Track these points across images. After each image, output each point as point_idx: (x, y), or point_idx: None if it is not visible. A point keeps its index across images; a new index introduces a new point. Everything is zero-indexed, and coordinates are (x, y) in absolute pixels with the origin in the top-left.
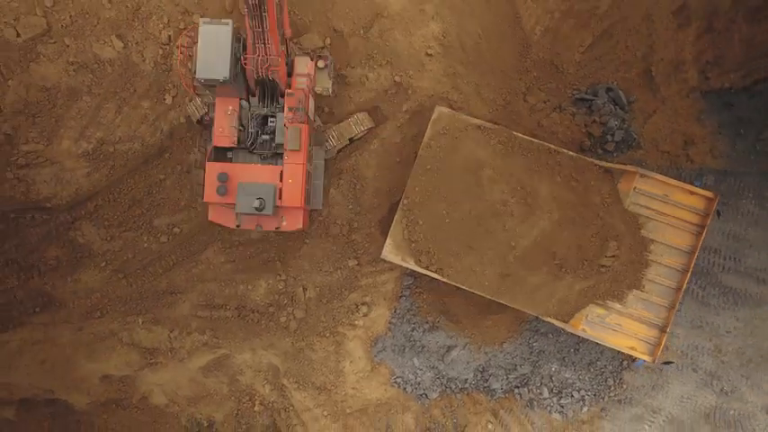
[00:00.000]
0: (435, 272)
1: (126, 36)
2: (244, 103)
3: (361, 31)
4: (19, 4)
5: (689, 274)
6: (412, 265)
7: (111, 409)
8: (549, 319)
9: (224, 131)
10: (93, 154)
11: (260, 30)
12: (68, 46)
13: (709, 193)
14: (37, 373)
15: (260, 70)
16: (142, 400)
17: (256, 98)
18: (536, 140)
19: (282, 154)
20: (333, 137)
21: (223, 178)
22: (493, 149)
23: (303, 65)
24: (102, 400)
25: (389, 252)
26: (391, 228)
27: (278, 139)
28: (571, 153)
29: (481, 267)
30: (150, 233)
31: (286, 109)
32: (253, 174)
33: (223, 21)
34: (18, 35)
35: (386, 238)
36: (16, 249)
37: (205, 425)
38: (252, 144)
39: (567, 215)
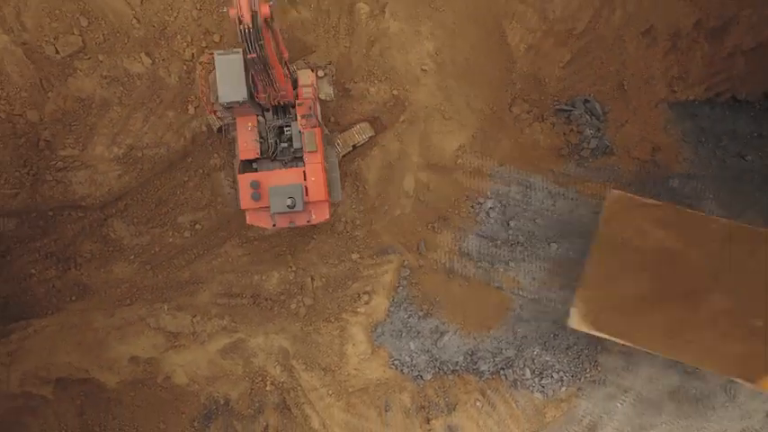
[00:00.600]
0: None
1: (153, 53)
2: (260, 118)
3: (363, 51)
4: (58, 25)
5: None
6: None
7: (138, 387)
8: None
9: (248, 146)
10: (124, 158)
11: (267, 80)
12: (102, 62)
13: None
14: (74, 354)
15: (273, 102)
16: (165, 380)
17: (271, 112)
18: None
19: (301, 157)
20: (338, 144)
21: (255, 186)
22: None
23: (306, 77)
24: (130, 379)
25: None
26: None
27: (296, 145)
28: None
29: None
30: (174, 229)
31: (299, 117)
32: (280, 178)
33: (234, 50)
34: (57, 52)
35: (389, 234)
36: (54, 244)
37: (222, 402)
38: (273, 153)
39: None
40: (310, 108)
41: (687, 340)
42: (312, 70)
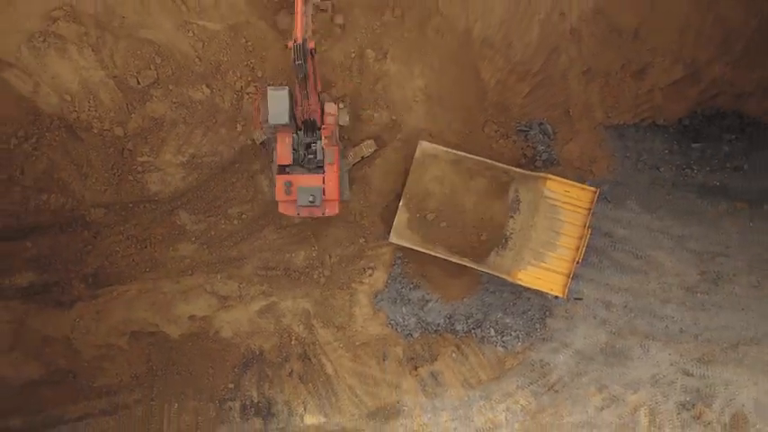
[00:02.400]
0: (426, 248)
1: (211, 84)
2: (294, 135)
3: (370, 86)
4: (139, 63)
5: (584, 239)
6: (412, 244)
7: (194, 339)
8: (497, 273)
9: (285, 155)
10: (187, 164)
11: (305, 92)
12: (171, 90)
13: (592, 188)
14: (147, 312)
15: (305, 115)
16: (215, 334)
17: (302, 131)
18: (482, 159)
19: (322, 166)
20: (350, 156)
21: (288, 184)
22: (456, 165)
23: (331, 107)
24: (188, 332)
25: (394, 237)
26: (395, 220)
27: (319, 157)
28: (505, 166)
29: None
30: (226, 218)
31: (323, 138)
32: (306, 180)
33: (281, 87)
34: (138, 83)
35: (386, 226)
36: (134, 228)
37: (257, 353)
38: (302, 161)
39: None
40: (332, 132)
41: (467, 249)
42: (335, 103)
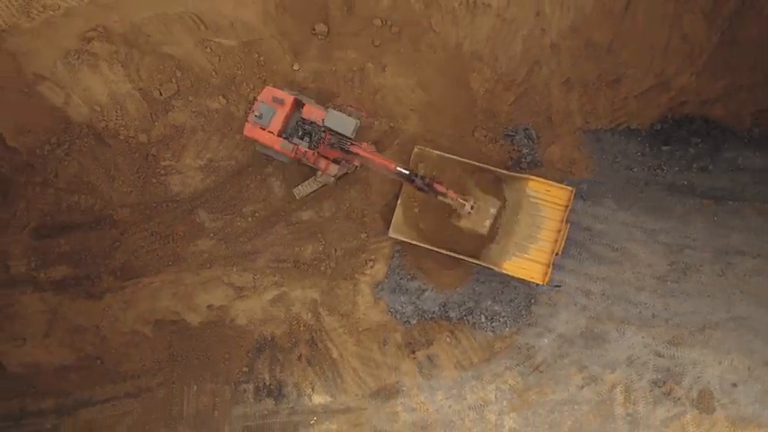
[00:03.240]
0: (422, 241)
1: (227, 95)
2: (294, 115)
3: (371, 96)
4: (162, 76)
5: (563, 233)
6: (408, 238)
7: (212, 326)
8: (485, 264)
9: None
10: (205, 167)
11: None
12: (191, 101)
13: (569, 188)
14: (170, 301)
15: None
16: (231, 321)
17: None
18: (471, 161)
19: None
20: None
21: (259, 116)
22: (448, 167)
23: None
24: (207, 320)
25: (393, 232)
26: (393, 217)
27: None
28: (492, 168)
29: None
30: (241, 216)
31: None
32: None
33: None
34: (161, 94)
35: (386, 222)
36: (157, 225)
37: (269, 339)
38: (289, 134)
39: (482, 204)
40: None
41: (458, 242)
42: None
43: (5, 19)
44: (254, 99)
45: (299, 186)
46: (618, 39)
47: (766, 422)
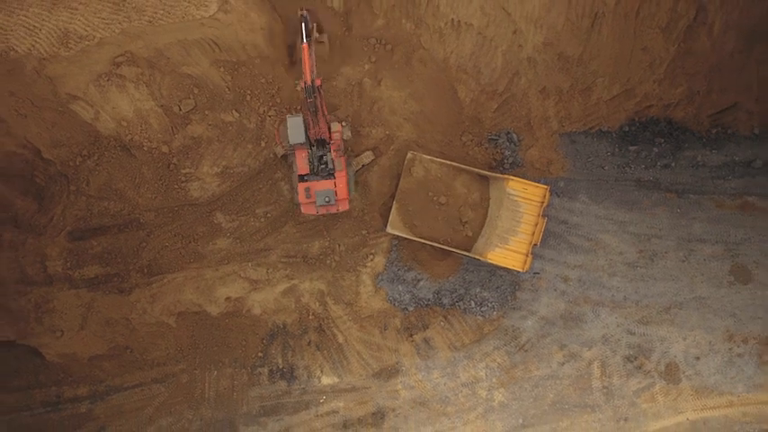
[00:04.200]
0: (416, 236)
1: (240, 109)
2: (309, 151)
3: (368, 108)
4: (181, 93)
5: (540, 226)
6: (404, 234)
7: (230, 316)
8: (472, 255)
9: (303, 166)
10: (221, 174)
11: (315, 119)
12: (207, 115)
13: (544, 186)
14: (193, 295)
15: (316, 135)
16: (247, 311)
17: (315, 147)
18: (459, 164)
19: (333, 173)
20: (353, 164)
21: (308, 189)
22: (438, 170)
23: (336, 126)
24: (225, 311)
25: (390, 228)
26: (390, 214)
27: (330, 166)
28: (476, 169)
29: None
30: (254, 216)
31: (332, 150)
32: (321, 185)
33: (296, 114)
34: (180, 109)
35: (384, 220)
36: (179, 227)
37: (281, 326)
38: (316, 170)
39: (468, 202)
40: (339, 145)
41: (448, 236)
42: (339, 122)
43: (47, 49)
44: (269, 116)
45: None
46: (587, 52)
47: (727, 390)
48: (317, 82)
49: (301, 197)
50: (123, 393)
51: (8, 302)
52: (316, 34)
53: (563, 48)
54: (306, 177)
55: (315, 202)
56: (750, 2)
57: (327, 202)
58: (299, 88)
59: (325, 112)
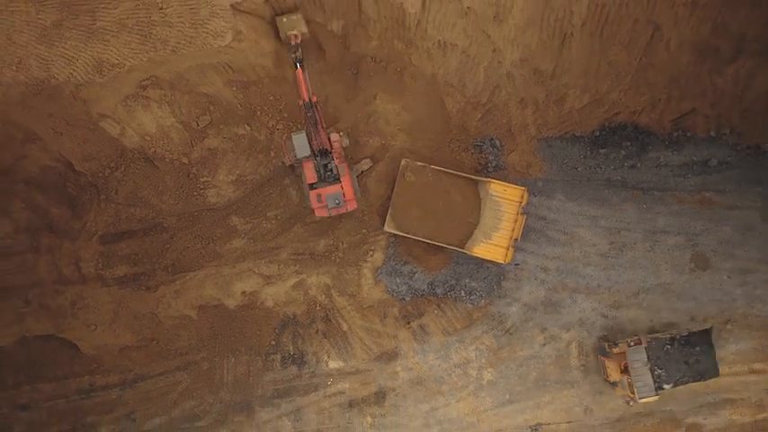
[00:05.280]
0: (411, 234)
1: (251, 123)
2: (314, 161)
3: (365, 120)
4: (198, 110)
5: (519, 222)
6: (400, 232)
7: (246, 308)
8: (460, 250)
9: (311, 176)
10: (236, 181)
11: (316, 131)
12: (222, 129)
13: (522, 187)
14: (212, 290)
15: (318, 146)
16: (261, 304)
17: (318, 157)
18: (447, 169)
19: (338, 178)
20: (354, 170)
21: (319, 195)
22: (429, 174)
23: (336, 136)
24: (242, 304)
25: (387, 227)
26: (387, 215)
27: (334, 172)
28: (463, 174)
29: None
30: (266, 219)
31: (335, 158)
32: (330, 190)
33: (300, 131)
34: (198, 125)
35: (382, 220)
36: (199, 230)
37: (291, 317)
38: (323, 178)
39: (455, 200)
40: (340, 153)
41: (437, 232)
42: (338, 132)
43: (83, 76)
44: (278, 130)
45: None
46: (558, 66)
47: None
48: (314, 98)
49: (314, 203)
50: (150, 381)
51: (47, 300)
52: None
53: (537, 63)
54: (315, 185)
55: (326, 206)
56: (699, 21)
57: (337, 204)
58: (299, 104)
59: (324, 125)
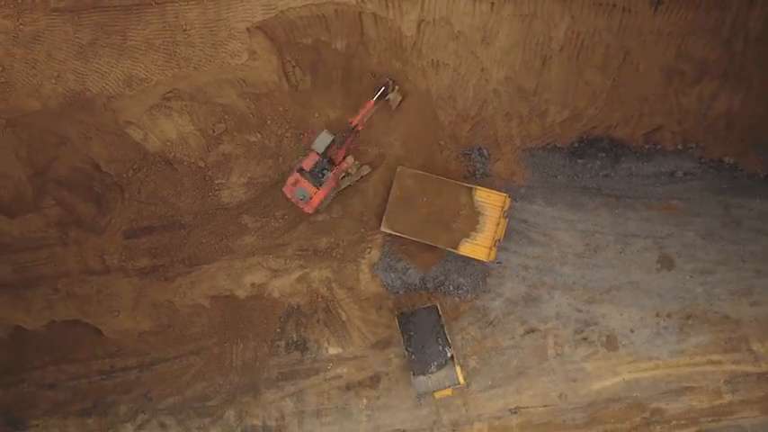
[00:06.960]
0: (405, 233)
1: (262, 131)
2: (319, 160)
3: (364, 131)
4: (214, 118)
5: (501, 225)
6: (395, 231)
7: (254, 299)
8: (449, 249)
9: (308, 164)
10: (247, 184)
11: (340, 146)
12: (235, 136)
13: (504, 194)
14: (225, 281)
15: (331, 155)
16: (268, 295)
17: (325, 160)
18: (438, 176)
19: (321, 185)
20: (354, 175)
21: (297, 181)
22: (421, 180)
23: (350, 159)
24: (251, 295)
25: (383, 227)
26: (384, 216)
27: (322, 180)
28: (452, 180)
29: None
30: (274, 218)
31: (333, 171)
32: (307, 186)
33: (330, 132)
34: (213, 132)
35: (379, 220)
36: (214, 227)
37: (295, 307)
38: (313, 173)
39: (445, 206)
40: (340, 172)
41: (430, 233)
42: (354, 159)
43: (114, 89)
44: (286, 137)
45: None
46: (540, 85)
47: (654, 356)
48: (359, 127)
49: (289, 181)
50: (166, 363)
51: (74, 288)
52: (392, 96)
53: (521, 82)
54: (303, 173)
55: (294, 192)
56: (665, 48)
57: (302, 199)
58: (351, 122)
59: (349, 146)
